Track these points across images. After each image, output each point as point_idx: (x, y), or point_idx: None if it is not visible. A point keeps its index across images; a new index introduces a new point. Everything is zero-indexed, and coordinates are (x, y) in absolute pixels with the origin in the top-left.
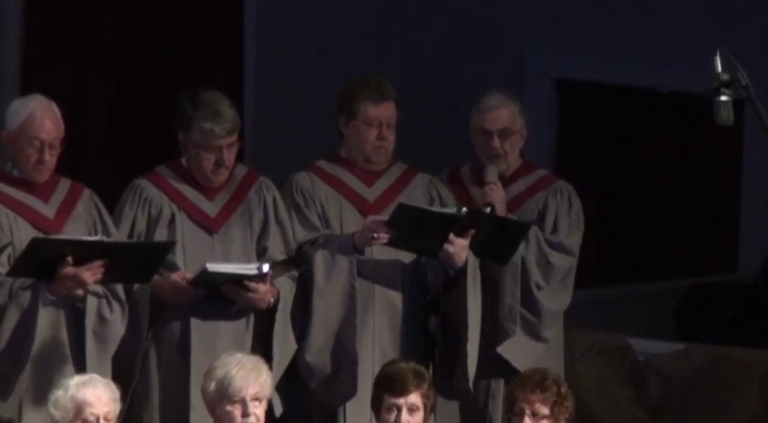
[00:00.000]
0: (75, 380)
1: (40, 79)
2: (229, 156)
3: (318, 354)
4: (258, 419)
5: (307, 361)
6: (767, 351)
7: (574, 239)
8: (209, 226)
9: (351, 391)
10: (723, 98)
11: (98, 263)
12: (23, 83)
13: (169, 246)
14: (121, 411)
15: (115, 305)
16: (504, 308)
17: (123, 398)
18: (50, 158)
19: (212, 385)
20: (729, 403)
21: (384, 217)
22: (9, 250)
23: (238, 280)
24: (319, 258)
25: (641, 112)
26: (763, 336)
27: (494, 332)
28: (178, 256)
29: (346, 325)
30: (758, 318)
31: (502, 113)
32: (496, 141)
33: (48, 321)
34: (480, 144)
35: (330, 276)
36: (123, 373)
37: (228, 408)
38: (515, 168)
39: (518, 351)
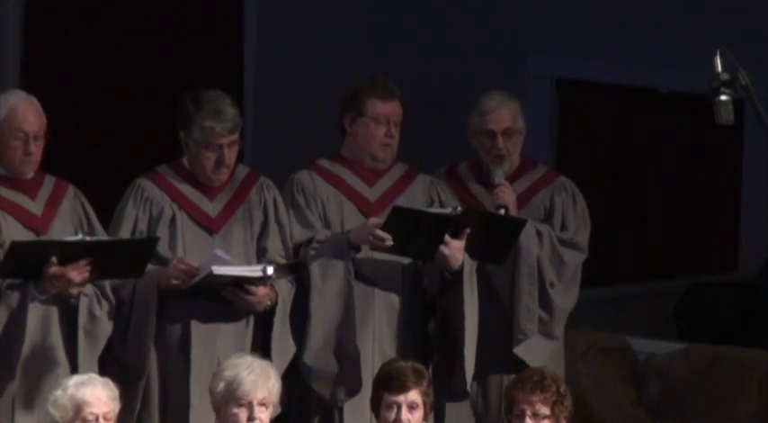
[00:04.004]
0: (74, 379)
1: (40, 79)
2: (230, 155)
3: (319, 353)
4: None
5: (306, 363)
6: (767, 351)
7: (583, 236)
8: (209, 226)
9: (356, 387)
10: (723, 98)
11: (83, 262)
12: (23, 83)
13: (153, 241)
14: (132, 410)
15: (104, 303)
16: (523, 310)
17: (134, 396)
18: (36, 150)
19: (221, 385)
20: (729, 403)
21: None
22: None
23: (240, 282)
24: (315, 258)
25: (641, 112)
26: (763, 336)
27: (512, 334)
28: (178, 256)
29: (346, 322)
30: (758, 318)
31: (504, 113)
32: (501, 142)
33: (39, 324)
34: (484, 146)
35: (327, 275)
36: (131, 370)
37: (235, 410)
38: (516, 167)
39: (533, 350)
